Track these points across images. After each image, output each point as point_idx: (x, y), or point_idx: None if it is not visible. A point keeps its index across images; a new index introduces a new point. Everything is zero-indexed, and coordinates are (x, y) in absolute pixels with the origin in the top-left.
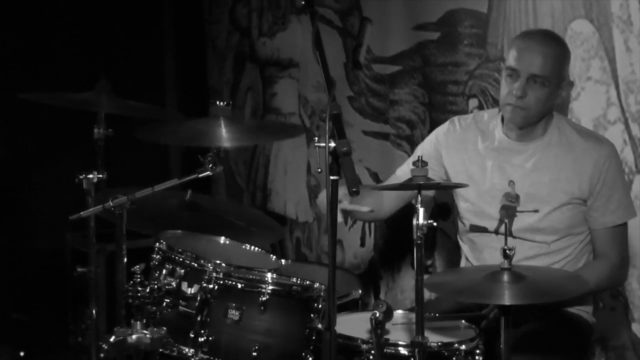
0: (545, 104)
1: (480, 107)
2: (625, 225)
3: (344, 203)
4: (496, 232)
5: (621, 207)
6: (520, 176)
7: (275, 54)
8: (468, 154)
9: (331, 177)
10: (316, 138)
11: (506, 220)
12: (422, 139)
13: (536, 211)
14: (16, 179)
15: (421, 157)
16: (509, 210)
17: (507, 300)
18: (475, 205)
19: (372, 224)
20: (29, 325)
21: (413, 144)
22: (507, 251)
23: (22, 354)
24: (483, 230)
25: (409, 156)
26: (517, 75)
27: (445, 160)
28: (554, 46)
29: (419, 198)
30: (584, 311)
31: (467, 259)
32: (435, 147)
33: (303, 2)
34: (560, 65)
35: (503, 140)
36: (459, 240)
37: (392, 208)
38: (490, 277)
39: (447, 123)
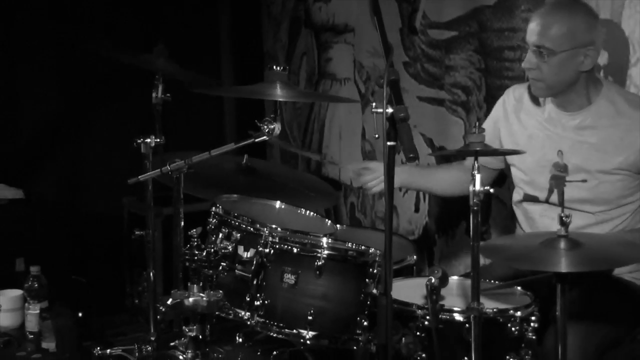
0: (560, 73)
1: None
2: None
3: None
4: (547, 201)
5: None
6: (569, 146)
7: (331, 19)
8: (520, 124)
9: (388, 143)
10: (373, 104)
11: (555, 189)
12: (478, 105)
13: (584, 181)
14: (75, 143)
15: (478, 122)
16: (558, 180)
17: (563, 267)
18: (527, 174)
19: None
20: (87, 286)
21: (469, 110)
22: (563, 218)
23: (80, 314)
24: (535, 199)
25: (465, 122)
26: (527, 48)
27: (502, 131)
28: (560, 13)
29: (476, 164)
30: (638, 279)
31: (521, 227)
32: (494, 122)
33: None
34: (569, 34)
35: (552, 110)
36: (514, 208)
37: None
38: (547, 244)
39: (503, 95)
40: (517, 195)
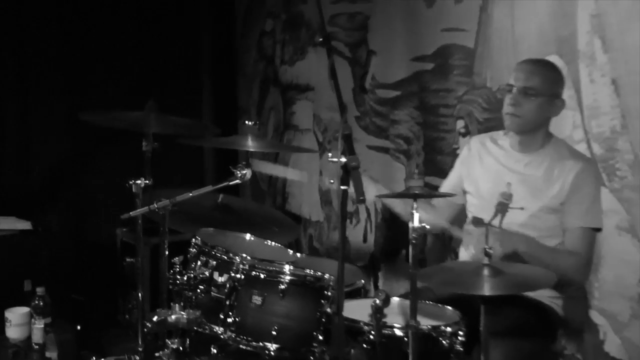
0: (537, 114)
1: (466, 127)
2: (594, 232)
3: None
4: (489, 223)
5: (591, 213)
6: (517, 180)
7: (295, 79)
8: (481, 160)
9: (342, 187)
10: (330, 154)
11: (499, 214)
12: (417, 153)
13: (522, 209)
14: (77, 183)
15: (417, 167)
16: (502, 206)
17: (486, 291)
18: (480, 200)
19: (373, 224)
20: (85, 304)
21: (409, 157)
22: (487, 250)
23: (79, 328)
24: (481, 221)
25: (406, 168)
26: (512, 89)
27: (463, 169)
28: (543, 67)
29: (415, 205)
30: (555, 303)
31: (468, 248)
32: (461, 162)
33: (321, 40)
34: (549, 83)
35: (508, 150)
36: (463, 232)
37: (448, 217)
38: (474, 271)
39: (472, 138)
40: (467, 219)
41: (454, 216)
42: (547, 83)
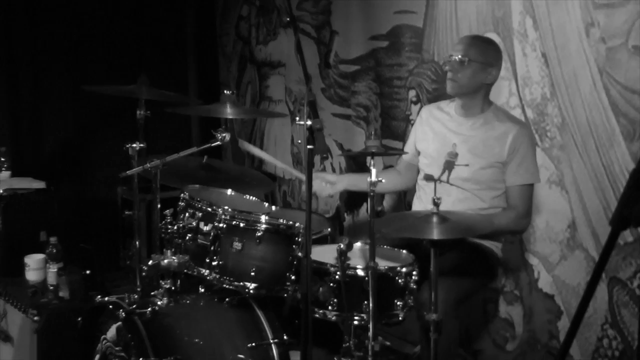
0: (471, 79)
1: (417, 97)
2: (531, 186)
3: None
4: (439, 179)
5: (529, 171)
6: (461, 141)
7: (268, 57)
8: (430, 125)
9: (308, 147)
10: (297, 118)
11: (446, 170)
12: (375, 119)
13: (467, 165)
14: (83, 147)
15: (374, 131)
16: (449, 164)
17: (435, 235)
18: (429, 159)
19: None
20: (91, 252)
21: (368, 122)
22: (435, 200)
23: (87, 272)
24: (431, 177)
25: (365, 132)
26: (452, 58)
27: (417, 130)
28: (479, 40)
29: (372, 161)
30: (494, 246)
31: (420, 199)
32: (414, 128)
33: (288, 19)
34: (482, 53)
35: (453, 115)
36: (416, 186)
37: (411, 179)
38: (424, 219)
39: (423, 108)
40: (420, 176)
41: (416, 177)
42: (479, 53)
